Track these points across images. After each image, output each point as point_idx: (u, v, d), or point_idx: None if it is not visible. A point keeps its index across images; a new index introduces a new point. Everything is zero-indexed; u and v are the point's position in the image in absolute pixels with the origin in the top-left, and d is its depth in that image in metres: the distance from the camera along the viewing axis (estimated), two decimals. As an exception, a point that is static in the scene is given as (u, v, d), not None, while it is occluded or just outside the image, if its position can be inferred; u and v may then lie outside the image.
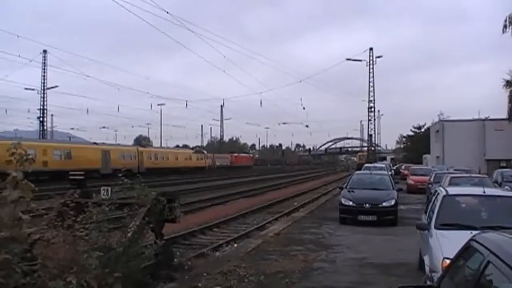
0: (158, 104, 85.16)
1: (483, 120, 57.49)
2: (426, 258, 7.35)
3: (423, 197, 25.42)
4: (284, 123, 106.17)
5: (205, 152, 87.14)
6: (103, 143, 60.21)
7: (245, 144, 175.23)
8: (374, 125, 69.22)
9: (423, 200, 23.50)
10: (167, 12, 32.07)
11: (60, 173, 36.25)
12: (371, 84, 64.09)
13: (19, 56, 52.44)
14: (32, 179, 5.22)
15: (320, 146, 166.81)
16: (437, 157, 58.99)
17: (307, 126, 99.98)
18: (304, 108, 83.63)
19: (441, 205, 8.22)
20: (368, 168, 31.86)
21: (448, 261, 5.68)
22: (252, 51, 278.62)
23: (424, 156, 67.80)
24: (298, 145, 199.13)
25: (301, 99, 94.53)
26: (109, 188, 7.92)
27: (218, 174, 65.93)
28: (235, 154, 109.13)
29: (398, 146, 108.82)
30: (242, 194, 31.98)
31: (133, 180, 7.71)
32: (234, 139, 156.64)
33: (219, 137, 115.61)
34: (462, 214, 8.51)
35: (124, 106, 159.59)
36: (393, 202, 17.01)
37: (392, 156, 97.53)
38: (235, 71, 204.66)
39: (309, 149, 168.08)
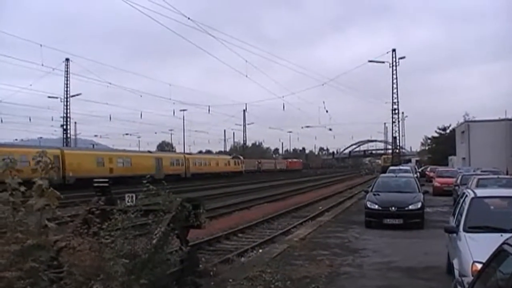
0: (181, 110, 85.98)
1: (511, 120, 56.36)
2: (455, 262, 7.19)
3: (449, 200, 25.01)
4: (307, 127, 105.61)
5: (241, 157, 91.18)
6: (153, 151, 71.43)
7: (268, 148, 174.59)
8: (398, 127, 68.75)
9: (450, 203, 23.14)
10: (189, 18, 32.07)
11: (123, 178, 42.99)
12: (395, 85, 63.53)
13: (42, 65, 53.92)
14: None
15: (344, 149, 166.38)
16: (463, 158, 57.94)
17: (330, 129, 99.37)
18: (327, 111, 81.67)
19: (469, 207, 8.04)
20: (393, 171, 31.57)
21: (478, 265, 5.55)
22: (274, 54, 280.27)
23: (449, 157, 66.73)
24: (321, 149, 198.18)
25: (324, 102, 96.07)
26: (134, 195, 7.84)
27: (247, 178, 68.99)
28: (290, 160, 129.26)
29: (422, 148, 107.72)
30: (266, 199, 31.96)
31: (158, 186, 7.70)
32: (257, 143, 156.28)
33: (242, 142, 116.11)
34: (491, 216, 8.32)
35: (147, 112, 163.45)
36: (419, 205, 16.77)
37: (417, 158, 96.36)
38: (257, 75, 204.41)
39: (333, 152, 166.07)
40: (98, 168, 46.94)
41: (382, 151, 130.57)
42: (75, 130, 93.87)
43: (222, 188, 44.36)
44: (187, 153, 77.26)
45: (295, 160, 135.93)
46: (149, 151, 71.21)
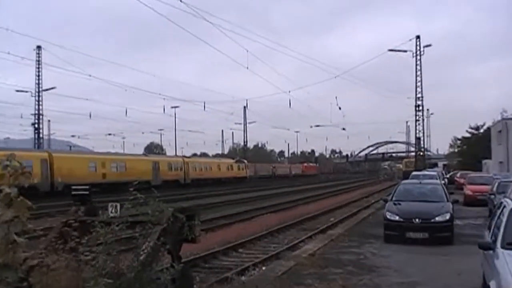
0: (172, 107, 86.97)
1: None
2: (492, 284, 7.11)
3: (483, 211, 24.96)
4: (317, 126, 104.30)
5: (245, 161, 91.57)
6: (149, 155, 73.50)
7: (272, 151, 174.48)
8: (423, 126, 69.10)
9: (484, 214, 23.08)
10: (181, 0, 31.51)
11: (117, 185, 44.86)
12: (418, 78, 63.47)
13: (9, 53, 52.60)
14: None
15: (359, 152, 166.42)
16: (500, 162, 57.57)
17: (343, 129, 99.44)
18: (340, 108, 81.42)
19: (509, 220, 7.96)
20: (417, 177, 31.38)
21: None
22: (279, 43, 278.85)
23: (483, 161, 66.46)
24: (333, 151, 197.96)
25: (336, 98, 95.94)
26: (118, 204, 7.80)
27: (256, 185, 69.68)
28: (305, 164, 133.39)
29: (451, 150, 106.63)
30: (271, 208, 31.99)
31: (148, 194, 7.67)
32: (260, 145, 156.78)
33: (242, 143, 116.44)
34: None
35: (132, 109, 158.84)
36: (448, 217, 16.66)
37: (445, 162, 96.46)
38: (259, 67, 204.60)
39: (346, 155, 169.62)
40: (90, 173, 48.12)
41: (404, 154, 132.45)
42: (49, 130, 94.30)
43: (225, 196, 44.83)
44: (186, 157, 78.09)
45: (311, 164, 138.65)
46: (145, 154, 74.16)
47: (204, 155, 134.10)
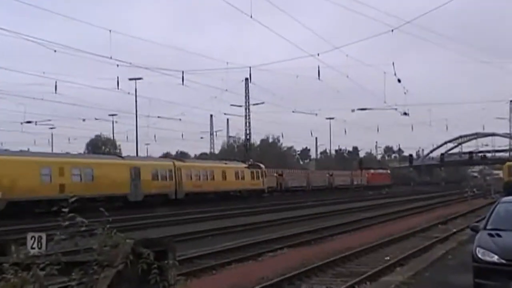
0: (131, 79, 56.74)
1: None
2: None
3: None
4: (363, 110, 70.23)
5: (262, 166, 65.35)
6: (126, 156, 54.84)
7: (291, 148, 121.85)
8: None
9: None
10: None
11: (79, 202, 36.84)
12: None
13: None
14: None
15: (431, 151, 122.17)
16: None
17: (405, 113, 63.35)
18: (399, 81, 48.85)
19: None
20: None
21: None
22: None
23: None
24: (388, 149, 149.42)
25: (393, 64, 48.64)
26: (44, 235, 5.67)
27: (289, 199, 58.48)
28: (372, 171, 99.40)
29: None
30: (291, 240, 22.22)
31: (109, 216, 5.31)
32: (271, 139, 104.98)
33: (242, 136, 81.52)
34: None
35: (67, 83, 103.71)
36: None
37: None
38: (271, 16, 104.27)
39: (410, 156, 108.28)
40: (43, 186, 36.39)
41: (506, 155, 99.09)
42: None
43: (230, 219, 33.61)
44: (177, 159, 60.53)
45: (380, 171, 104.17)
46: (119, 155, 56.86)
47: (182, 154, 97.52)
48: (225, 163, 61.41)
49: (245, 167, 62.78)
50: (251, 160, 67.96)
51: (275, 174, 70.57)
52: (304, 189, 74.54)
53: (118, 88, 50.75)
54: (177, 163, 53.07)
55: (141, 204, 42.79)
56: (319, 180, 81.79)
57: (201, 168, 56.28)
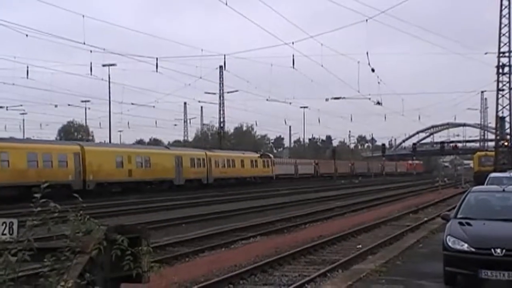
0: (105, 65, 57.40)
1: None
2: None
3: None
4: (336, 99, 68.36)
5: (271, 156, 76.80)
6: (168, 147, 65.56)
7: (264, 136, 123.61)
8: (510, 99, 45.84)
9: None
10: None
11: (141, 184, 46.88)
12: (505, 21, 41.53)
13: None
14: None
15: (404, 140, 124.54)
16: None
17: (379, 103, 61.86)
18: (373, 71, 48.48)
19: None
20: (498, 181, 20.46)
21: None
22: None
23: None
24: (361, 138, 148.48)
25: (367, 54, 45.76)
26: (15, 221, 5.63)
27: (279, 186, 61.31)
28: (410, 162, 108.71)
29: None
30: (263, 228, 22.56)
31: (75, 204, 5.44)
32: (245, 128, 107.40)
33: (216, 124, 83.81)
34: None
35: (39, 68, 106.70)
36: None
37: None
38: (246, 3, 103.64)
39: (382, 145, 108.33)
40: (117, 170, 45.41)
41: (477, 145, 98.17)
42: None
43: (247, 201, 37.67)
44: (208, 148, 66.13)
45: (416, 162, 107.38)
46: (166, 146, 70.10)
47: (156, 142, 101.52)
48: (243, 153, 69.92)
49: (258, 157, 71.31)
50: (261, 150, 78.69)
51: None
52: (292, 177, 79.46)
53: (91, 74, 51.62)
54: (208, 153, 61.11)
55: (182, 187, 51.30)
56: (343, 167, 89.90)
57: (226, 157, 64.89)
